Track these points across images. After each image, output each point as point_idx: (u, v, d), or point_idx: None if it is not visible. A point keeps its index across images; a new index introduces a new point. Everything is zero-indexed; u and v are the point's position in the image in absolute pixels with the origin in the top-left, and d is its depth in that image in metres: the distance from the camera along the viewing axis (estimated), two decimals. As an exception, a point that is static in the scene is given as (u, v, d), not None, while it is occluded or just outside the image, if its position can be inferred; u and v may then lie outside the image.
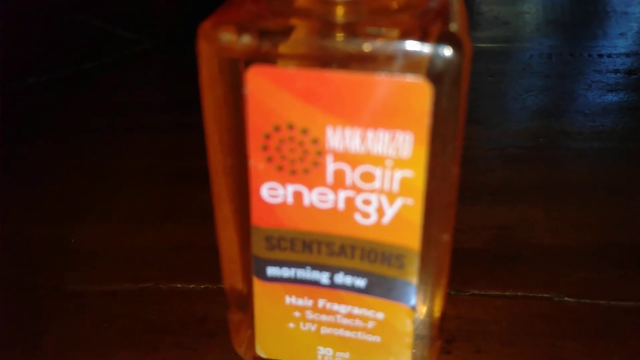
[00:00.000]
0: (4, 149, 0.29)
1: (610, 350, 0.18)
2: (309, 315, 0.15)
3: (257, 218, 0.13)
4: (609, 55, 0.38)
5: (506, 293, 0.20)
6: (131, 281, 0.21)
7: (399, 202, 0.12)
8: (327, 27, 0.10)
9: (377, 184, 0.12)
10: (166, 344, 0.18)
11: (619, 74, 0.35)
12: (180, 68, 0.39)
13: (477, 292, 0.20)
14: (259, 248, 0.14)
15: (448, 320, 0.19)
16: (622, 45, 0.39)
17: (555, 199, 0.25)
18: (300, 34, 0.11)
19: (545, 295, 0.20)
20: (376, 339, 0.15)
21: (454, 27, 0.10)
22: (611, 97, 0.33)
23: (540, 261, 0.21)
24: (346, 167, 0.12)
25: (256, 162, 0.12)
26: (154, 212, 0.25)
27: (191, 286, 0.20)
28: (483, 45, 0.40)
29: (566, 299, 0.20)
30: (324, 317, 0.15)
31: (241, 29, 0.10)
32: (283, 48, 0.10)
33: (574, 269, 0.21)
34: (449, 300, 0.20)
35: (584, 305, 0.19)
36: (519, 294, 0.20)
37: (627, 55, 0.38)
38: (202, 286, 0.20)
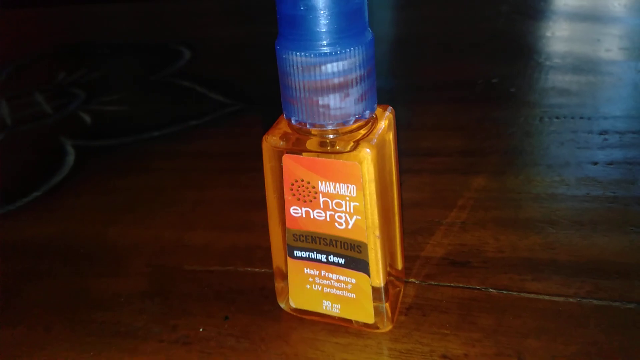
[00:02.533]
0: (143, 177, 0.41)
1: (502, 318, 0.24)
2: (317, 280, 0.24)
3: (289, 224, 0.24)
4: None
5: (452, 284, 0.26)
6: (220, 265, 0.29)
7: (354, 218, 0.23)
8: (321, 141, 0.22)
9: (344, 208, 0.23)
10: (240, 300, 0.27)
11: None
12: (260, 124, 0.46)
13: (433, 282, 0.27)
14: (289, 240, 0.25)
15: (410, 298, 0.26)
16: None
17: (503, 226, 0.30)
18: (310, 142, 0.23)
19: (477, 287, 0.26)
20: (353, 295, 0.23)
21: (374, 138, 0.22)
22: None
23: (482, 267, 0.27)
24: (329, 200, 0.23)
25: (287, 196, 0.24)
26: (233, 225, 0.33)
27: (256, 270, 0.29)
28: (547, 109, 0.43)
29: (491, 290, 0.26)
30: (324, 282, 0.24)
31: (282, 138, 0.22)
32: (301, 147, 0.22)
33: (505, 272, 0.27)
34: (414, 286, 0.26)
35: (499, 294, 0.25)
36: (460, 285, 0.26)
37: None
38: (262, 270, 0.29)
